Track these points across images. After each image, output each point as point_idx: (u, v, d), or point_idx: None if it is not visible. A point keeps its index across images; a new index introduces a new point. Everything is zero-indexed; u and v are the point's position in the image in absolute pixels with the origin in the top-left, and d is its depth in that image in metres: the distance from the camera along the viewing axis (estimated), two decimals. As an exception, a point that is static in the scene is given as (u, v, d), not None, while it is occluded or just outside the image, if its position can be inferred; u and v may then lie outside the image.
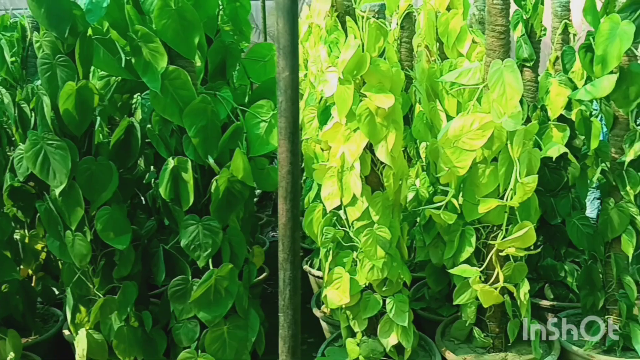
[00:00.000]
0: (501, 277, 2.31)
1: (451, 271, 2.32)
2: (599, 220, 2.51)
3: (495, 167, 2.21)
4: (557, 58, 2.74)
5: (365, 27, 2.05)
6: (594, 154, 2.52)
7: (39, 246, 3.02)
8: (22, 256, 2.98)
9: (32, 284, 3.07)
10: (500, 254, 2.30)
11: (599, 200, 3.32)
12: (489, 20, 2.14)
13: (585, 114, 2.40)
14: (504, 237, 2.22)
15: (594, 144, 2.33)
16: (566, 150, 2.37)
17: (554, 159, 2.62)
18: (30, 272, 3.06)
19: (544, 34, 2.97)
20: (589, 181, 2.76)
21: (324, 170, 2.29)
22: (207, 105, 2.24)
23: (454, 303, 2.41)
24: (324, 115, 2.44)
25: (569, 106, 2.73)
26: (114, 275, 2.40)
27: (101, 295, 2.42)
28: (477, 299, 2.36)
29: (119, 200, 2.40)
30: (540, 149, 2.39)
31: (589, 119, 2.36)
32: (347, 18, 2.12)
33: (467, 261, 2.37)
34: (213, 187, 2.23)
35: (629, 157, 2.30)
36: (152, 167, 2.86)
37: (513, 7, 2.36)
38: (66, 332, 2.75)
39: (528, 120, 2.91)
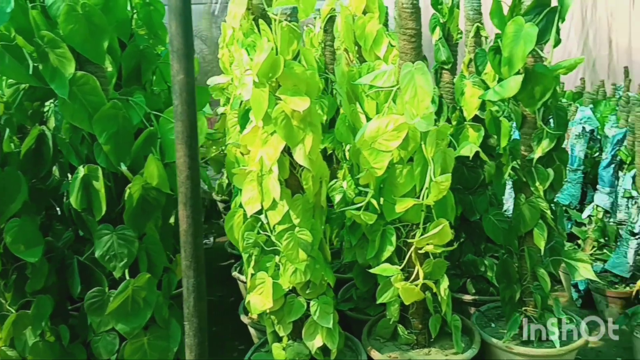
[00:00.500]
0: (421, 274, 2.36)
1: (372, 270, 2.35)
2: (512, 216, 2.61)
3: (411, 167, 2.27)
4: (470, 60, 2.83)
5: (278, 30, 2.05)
6: (508, 152, 2.62)
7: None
8: None
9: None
10: (420, 251, 2.35)
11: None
12: (400, 23, 2.19)
13: (495, 114, 2.49)
14: (422, 235, 2.27)
15: (503, 143, 2.42)
16: (478, 149, 2.45)
17: (470, 158, 2.70)
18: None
19: (460, 37, 3.07)
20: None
21: (244, 175, 2.28)
22: (118, 111, 2.18)
23: (377, 302, 2.45)
24: (244, 119, 2.43)
25: (484, 107, 2.83)
26: (27, 289, 2.30)
27: (14, 311, 2.31)
28: (399, 296, 2.40)
29: (31, 211, 2.29)
30: (456, 149, 2.46)
31: (498, 119, 2.45)
32: (260, 21, 2.12)
33: (389, 260, 2.41)
34: (126, 194, 2.17)
35: (537, 154, 2.40)
36: (68, 176, 2.76)
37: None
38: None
39: (449, 121, 3.01)
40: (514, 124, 2.56)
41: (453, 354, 2.50)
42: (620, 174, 3.66)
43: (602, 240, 3.70)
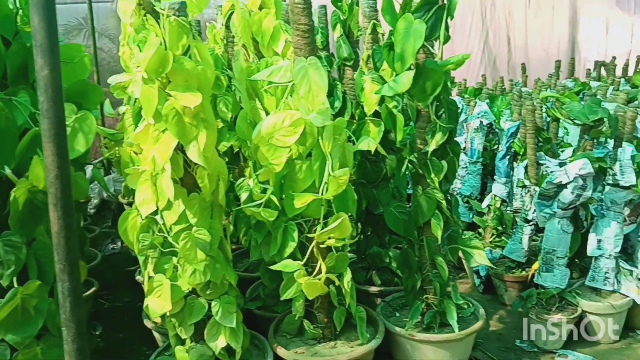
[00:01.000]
0: (323, 269, 2.37)
1: (273, 267, 2.34)
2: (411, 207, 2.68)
3: (310, 163, 2.27)
4: (368, 57, 2.88)
5: (166, 25, 1.99)
6: (408, 146, 2.69)
7: None
8: None
9: None
10: (322, 246, 2.37)
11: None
12: (293, 19, 2.19)
13: (390, 109, 2.54)
14: (322, 230, 2.29)
15: (399, 137, 2.48)
16: (376, 143, 2.49)
17: (372, 153, 2.75)
18: None
19: (361, 34, 3.11)
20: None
21: (137, 175, 2.20)
22: (1, 112, 2.06)
23: (281, 298, 2.44)
24: (138, 117, 2.35)
25: (384, 102, 2.89)
26: None
27: None
28: (304, 292, 2.40)
29: None
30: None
31: (393, 114, 2.50)
32: (148, 16, 2.05)
33: (292, 256, 2.41)
34: (11, 198, 2.04)
35: (432, 147, 2.48)
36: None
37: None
38: None
39: (352, 116, 3.05)
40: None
41: (358, 344, 2.54)
42: (515, 164, 3.86)
43: (500, 228, 3.89)
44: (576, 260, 3.44)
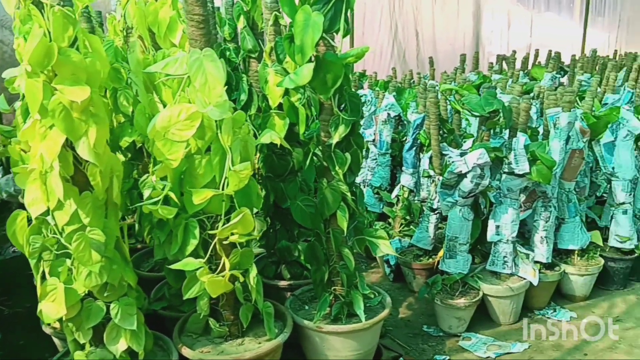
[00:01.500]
0: (227, 265, 2.33)
1: (173, 267, 2.28)
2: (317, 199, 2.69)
3: (210, 157, 2.22)
4: (271, 49, 2.85)
5: (50, 16, 1.88)
6: (315, 139, 2.68)
7: None
8: None
9: None
10: (225, 242, 2.32)
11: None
12: (187, 9, 2.12)
13: (293, 102, 2.53)
14: (224, 226, 2.25)
15: (302, 129, 2.47)
16: (279, 136, 2.47)
17: (279, 146, 2.73)
18: None
19: (265, 26, 3.07)
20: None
21: (26, 174, 2.07)
22: None
23: (184, 298, 2.38)
24: (27, 113, 2.20)
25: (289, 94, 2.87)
26: None
27: None
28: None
29: None
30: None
31: (295, 106, 2.50)
32: (31, 6, 1.93)
33: (194, 254, 2.35)
34: None
35: (335, 139, 2.49)
36: None
37: None
38: None
39: (260, 109, 3.01)
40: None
41: (266, 340, 2.52)
42: (421, 155, 3.97)
43: (408, 217, 3.99)
44: (478, 246, 3.59)
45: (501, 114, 3.15)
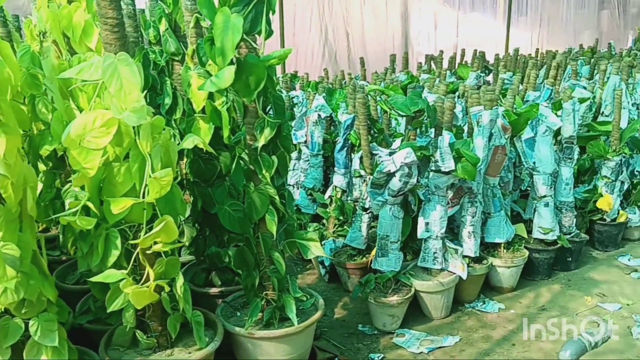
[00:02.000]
0: (152, 275, 2.27)
1: (93, 279, 2.19)
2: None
3: (129, 165, 2.15)
4: (193, 51, 2.79)
5: (-54, 19, 1.76)
6: (242, 142, 2.64)
7: None
8: None
9: None
10: (148, 252, 2.26)
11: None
12: (100, 13, 2.05)
13: (215, 105, 2.49)
14: (146, 235, 2.18)
15: (225, 133, 2.43)
16: (203, 141, 2.42)
17: (205, 151, 2.67)
18: None
19: (187, 28, 3.01)
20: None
21: None
22: None
23: (108, 310, 2.30)
24: None
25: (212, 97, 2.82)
26: None
27: None
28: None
29: None
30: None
31: (218, 110, 2.45)
32: None
33: (117, 265, 2.27)
34: None
35: (261, 142, 2.46)
36: None
37: None
38: None
39: (185, 113, 2.94)
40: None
41: (197, 350, 2.46)
42: (353, 155, 4.00)
43: (342, 217, 4.01)
44: (409, 243, 3.64)
45: (426, 113, 3.21)
